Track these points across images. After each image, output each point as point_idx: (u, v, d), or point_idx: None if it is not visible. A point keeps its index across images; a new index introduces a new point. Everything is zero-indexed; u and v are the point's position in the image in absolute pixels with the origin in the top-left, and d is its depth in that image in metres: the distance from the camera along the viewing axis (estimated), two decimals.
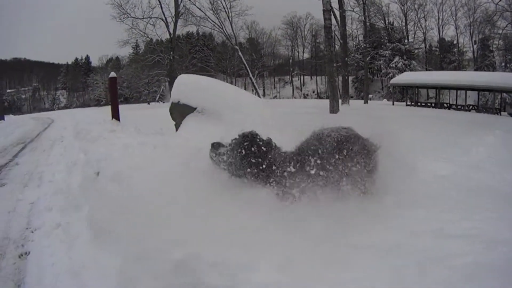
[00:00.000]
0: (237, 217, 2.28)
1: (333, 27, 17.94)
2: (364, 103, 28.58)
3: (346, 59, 26.86)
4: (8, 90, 56.24)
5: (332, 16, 19.28)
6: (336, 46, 28.40)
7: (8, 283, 2.37)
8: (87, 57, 58.26)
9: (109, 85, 8.22)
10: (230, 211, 2.35)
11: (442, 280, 1.67)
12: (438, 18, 42.78)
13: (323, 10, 15.24)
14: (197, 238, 2.07)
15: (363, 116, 11.87)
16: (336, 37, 27.44)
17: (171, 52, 29.83)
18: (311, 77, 51.31)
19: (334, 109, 14.35)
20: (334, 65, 16.78)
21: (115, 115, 8.10)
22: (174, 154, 3.17)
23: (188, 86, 5.14)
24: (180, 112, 4.95)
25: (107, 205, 2.75)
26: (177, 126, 5.04)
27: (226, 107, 4.76)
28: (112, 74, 8.37)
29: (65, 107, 51.48)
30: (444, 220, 2.30)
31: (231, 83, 36.46)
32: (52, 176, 5.06)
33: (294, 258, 1.90)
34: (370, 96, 35.48)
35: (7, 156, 7.23)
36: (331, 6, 16.77)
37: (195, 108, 4.81)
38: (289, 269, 1.83)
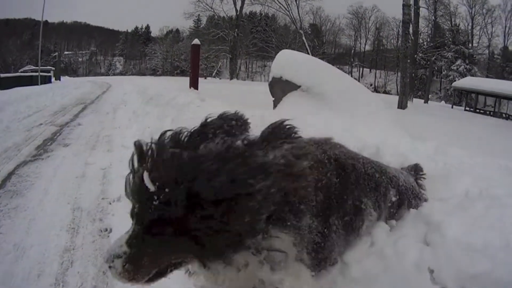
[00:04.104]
0: None
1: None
2: (424, 102, 27.82)
3: (415, 56, 25.66)
4: (66, 52, 58.45)
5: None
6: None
7: (89, 268, 1.84)
8: (148, 27, 59.25)
9: (191, 52, 8.17)
10: None
11: None
12: (505, 26, 41.33)
13: (403, 5, 15.37)
14: None
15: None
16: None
17: (236, 29, 29.64)
18: (370, 70, 49.04)
19: (402, 105, 14.47)
20: (408, 61, 16.21)
21: (194, 84, 7.99)
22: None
23: (293, 62, 4.94)
24: (281, 88, 4.77)
25: None
26: (275, 103, 4.86)
27: (333, 90, 4.48)
28: (196, 41, 8.25)
29: (121, 74, 53.46)
30: None
31: None
32: (124, 141, 4.67)
33: None
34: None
35: (67, 116, 7.22)
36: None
37: (299, 86, 4.59)
38: None
